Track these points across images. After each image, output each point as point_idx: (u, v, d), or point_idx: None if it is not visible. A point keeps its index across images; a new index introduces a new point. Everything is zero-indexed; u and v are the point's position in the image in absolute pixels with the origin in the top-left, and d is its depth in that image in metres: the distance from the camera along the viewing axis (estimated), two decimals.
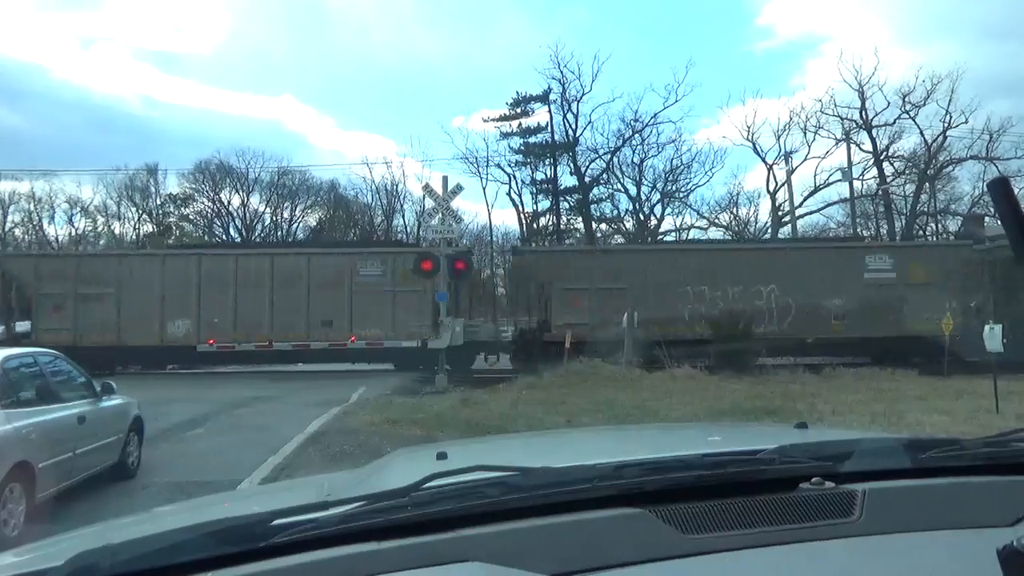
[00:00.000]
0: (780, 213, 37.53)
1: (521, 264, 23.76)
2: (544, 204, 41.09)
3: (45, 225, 45.00)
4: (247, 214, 45.53)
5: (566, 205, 40.73)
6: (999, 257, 22.20)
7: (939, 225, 38.86)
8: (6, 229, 43.81)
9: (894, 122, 36.68)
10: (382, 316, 20.37)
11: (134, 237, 43.53)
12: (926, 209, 38.58)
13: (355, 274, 20.67)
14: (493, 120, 40.79)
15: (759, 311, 19.90)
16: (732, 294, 20.24)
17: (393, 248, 24.53)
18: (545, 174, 40.44)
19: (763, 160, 38.72)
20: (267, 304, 20.55)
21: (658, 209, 40.82)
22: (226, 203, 45.59)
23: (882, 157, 37.56)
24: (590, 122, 38.87)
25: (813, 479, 1.30)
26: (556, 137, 39.50)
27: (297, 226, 46.43)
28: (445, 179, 17.02)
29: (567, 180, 40.05)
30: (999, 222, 1.00)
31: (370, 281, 20.62)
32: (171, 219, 46.08)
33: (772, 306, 20.24)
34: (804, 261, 20.78)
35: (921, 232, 37.46)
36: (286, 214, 46.35)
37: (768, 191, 38.95)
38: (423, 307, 20.24)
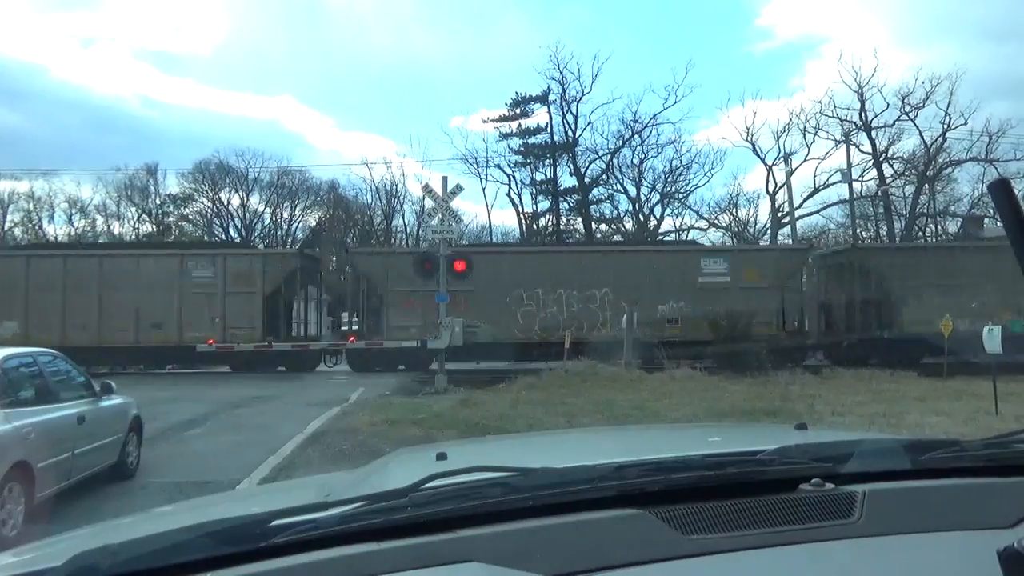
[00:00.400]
0: (780, 214, 37.55)
1: (354, 265, 23.61)
2: (544, 205, 41.24)
3: (45, 225, 45.07)
4: (247, 214, 45.57)
5: (566, 206, 40.83)
6: (832, 263, 22.81)
7: (938, 226, 38.90)
8: (5, 229, 43.80)
9: (894, 123, 36.81)
10: (212, 318, 20.32)
11: (133, 237, 43.51)
12: (925, 210, 38.62)
13: (186, 275, 20.59)
14: (493, 121, 40.92)
15: (593, 314, 20.00)
16: (567, 297, 20.39)
17: (223, 249, 24.16)
18: (545, 175, 40.57)
19: (763, 161, 38.82)
20: (96, 306, 20.32)
21: (658, 210, 40.94)
22: (226, 203, 45.66)
23: (881, 158, 37.63)
24: (590, 123, 39.00)
25: (813, 480, 1.30)
26: (556, 138, 39.59)
27: (297, 226, 46.51)
28: (445, 179, 17.02)
29: (567, 181, 40.20)
30: (999, 223, 1.00)
31: (201, 282, 20.55)
32: (170, 219, 46.12)
33: (606, 309, 20.35)
34: (639, 264, 20.89)
35: (921, 233, 37.49)
36: (286, 214, 46.44)
37: (768, 192, 39.04)
38: (253, 309, 20.38)
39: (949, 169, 37.68)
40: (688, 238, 38.46)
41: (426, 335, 18.70)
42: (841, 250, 25.33)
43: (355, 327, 23.02)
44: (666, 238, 39.08)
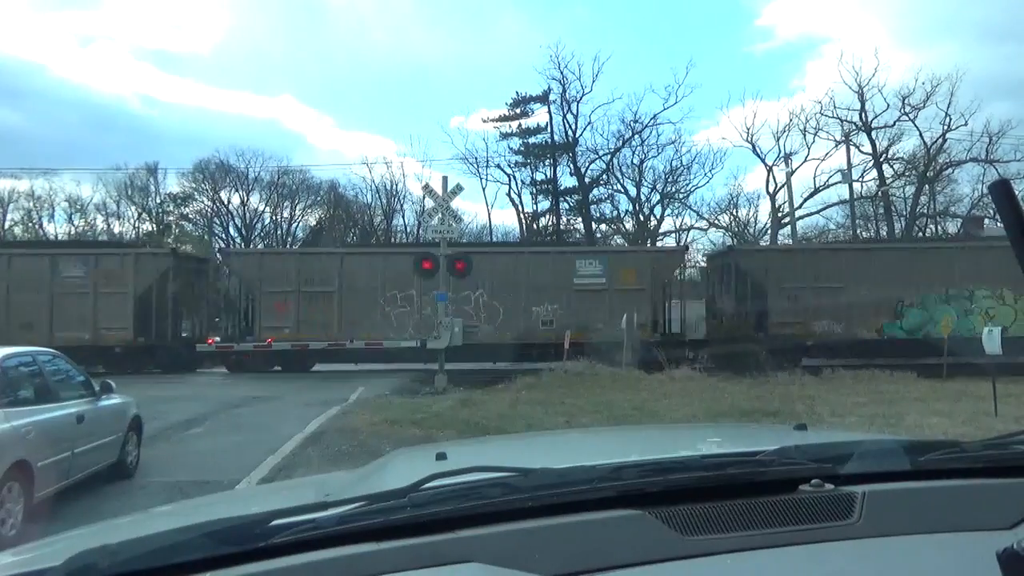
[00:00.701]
0: (780, 215, 37.55)
1: (228, 266, 23.54)
2: (544, 205, 41.19)
3: (45, 224, 45.07)
4: (247, 213, 45.55)
5: (566, 206, 40.79)
6: (716, 265, 23.04)
7: (938, 227, 38.89)
8: (5, 227, 43.79)
9: (894, 124, 36.77)
10: (83, 318, 20.15)
11: (133, 236, 43.53)
12: (926, 211, 38.61)
13: (57, 275, 20.42)
14: (493, 120, 40.88)
15: (466, 315, 19.98)
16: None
17: (95, 248, 23.74)
18: (545, 175, 40.52)
19: (763, 161, 38.77)
20: None
21: (658, 210, 40.89)
22: (226, 202, 45.63)
23: (882, 159, 37.62)
24: (590, 123, 38.95)
25: (813, 481, 1.30)
26: (556, 138, 39.55)
27: (297, 226, 46.49)
28: (445, 179, 17.03)
29: (567, 181, 40.15)
30: (1000, 224, 1.00)
31: (72, 282, 20.37)
32: (170, 218, 46.13)
33: (480, 310, 20.38)
34: (515, 265, 20.83)
35: (920, 233, 37.49)
36: (286, 214, 46.39)
37: (768, 192, 39.01)
38: (124, 309, 20.25)
39: (949, 170, 37.70)
40: (688, 238, 38.55)
41: (302, 335, 19.15)
42: (721, 251, 25.55)
43: (236, 327, 22.66)
44: (666, 238, 39.16)
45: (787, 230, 35.74)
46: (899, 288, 19.86)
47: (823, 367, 17.51)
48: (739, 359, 19.11)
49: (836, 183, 36.84)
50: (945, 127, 35.75)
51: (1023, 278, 20.57)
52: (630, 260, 21.44)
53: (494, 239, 40.77)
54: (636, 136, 38.53)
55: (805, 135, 37.77)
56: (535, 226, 40.85)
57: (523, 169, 40.86)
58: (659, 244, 35.02)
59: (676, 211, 41.05)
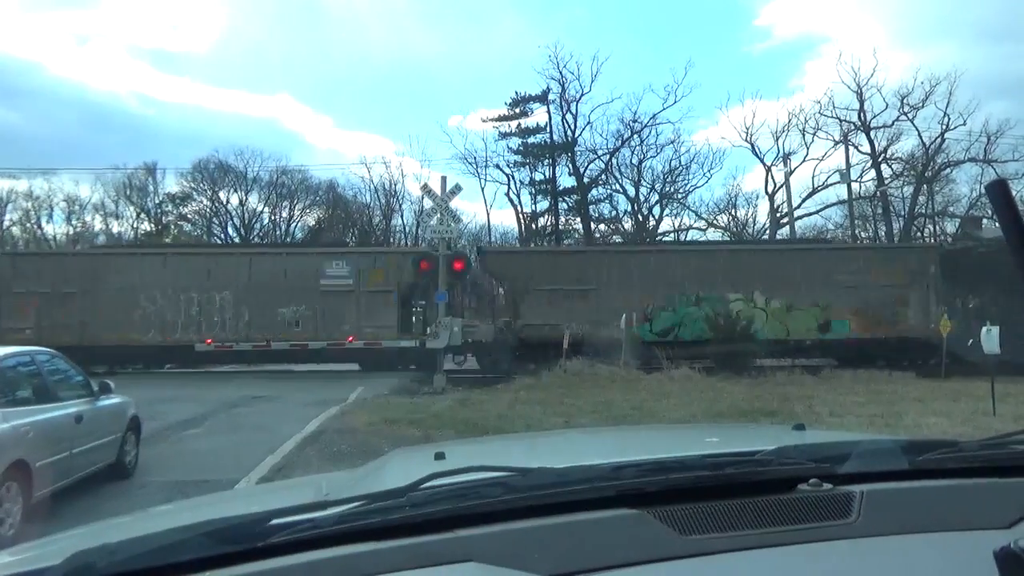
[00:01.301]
0: (778, 215, 37.57)
1: None
2: (543, 205, 41.19)
3: (44, 224, 45.01)
4: (245, 213, 45.51)
5: (565, 206, 40.78)
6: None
7: (937, 227, 38.93)
8: (4, 228, 43.74)
9: (892, 124, 36.78)
10: None
11: (132, 236, 43.48)
12: (924, 211, 38.62)
13: None
14: (492, 120, 40.89)
15: (210, 318, 20.18)
16: (183, 300, 20.32)
17: None
18: (544, 174, 40.53)
19: (762, 161, 38.81)
20: None
21: (656, 210, 40.92)
22: (224, 202, 45.59)
23: (880, 159, 37.62)
24: (589, 123, 38.95)
25: (811, 480, 1.30)
26: (555, 138, 39.55)
27: (296, 226, 46.45)
28: (444, 179, 17.05)
29: (566, 181, 40.15)
30: (997, 224, 1.00)
31: None
32: (169, 218, 46.08)
33: (226, 313, 20.44)
34: (261, 267, 20.82)
35: (919, 233, 37.51)
36: (284, 214, 46.34)
37: (766, 192, 39.04)
38: None
39: (948, 169, 37.69)
40: (687, 238, 38.50)
41: (43, 335, 18.74)
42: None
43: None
44: (665, 238, 39.12)
45: (786, 230, 35.76)
46: (651, 290, 20.15)
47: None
48: (488, 359, 19.72)
49: (835, 183, 36.88)
50: (944, 127, 35.82)
51: (777, 281, 19.99)
52: (379, 261, 21.31)
53: (493, 239, 40.80)
54: (635, 136, 38.59)
55: (804, 135, 37.87)
56: (534, 226, 40.86)
57: (522, 169, 40.94)
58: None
59: (675, 211, 41.16)
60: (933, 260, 20.74)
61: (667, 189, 39.83)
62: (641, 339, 19.45)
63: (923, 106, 35.65)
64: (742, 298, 20.26)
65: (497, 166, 40.66)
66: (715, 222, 40.99)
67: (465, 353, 20.70)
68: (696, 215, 40.75)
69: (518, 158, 40.57)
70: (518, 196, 41.26)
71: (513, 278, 20.59)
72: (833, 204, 38.44)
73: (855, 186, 36.33)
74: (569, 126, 39.12)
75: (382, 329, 19.95)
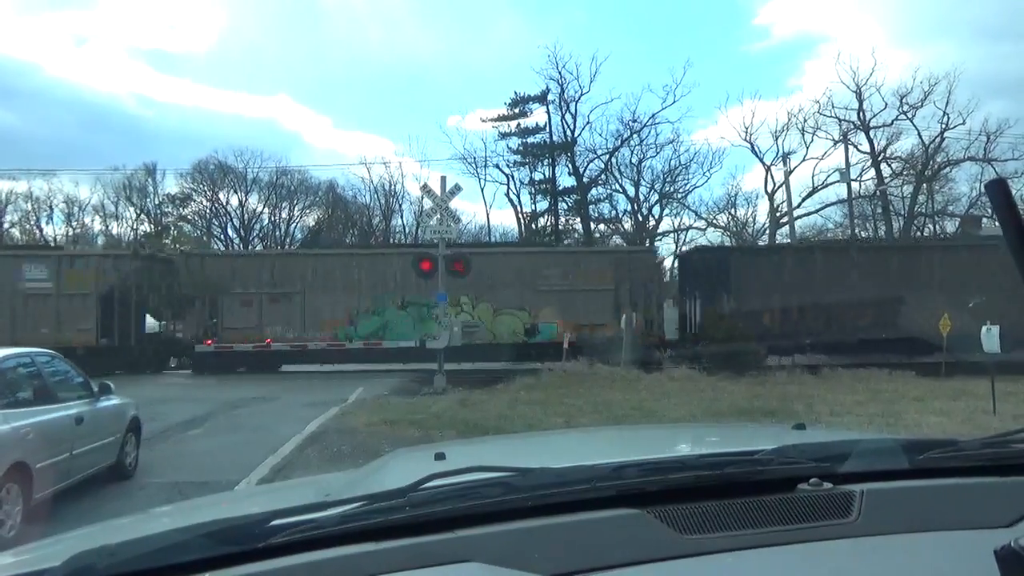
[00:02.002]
0: (778, 214, 37.56)
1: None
2: (542, 205, 41.14)
3: (43, 225, 44.99)
4: (245, 214, 45.50)
5: (564, 206, 40.76)
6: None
7: (936, 226, 38.93)
8: (4, 229, 43.71)
9: (892, 123, 36.77)
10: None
11: (132, 237, 43.51)
12: (924, 210, 38.63)
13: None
14: (491, 120, 40.85)
15: None
16: None
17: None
18: (543, 174, 40.49)
19: (761, 161, 38.77)
20: None
21: (656, 210, 40.90)
22: (224, 203, 45.58)
23: (880, 158, 37.61)
24: (588, 122, 38.93)
25: (811, 480, 1.30)
26: (554, 137, 39.53)
27: (295, 226, 46.44)
28: (443, 179, 17.01)
29: (565, 181, 40.12)
30: (996, 223, 1.00)
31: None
32: (169, 219, 46.06)
33: None
34: None
35: (918, 233, 37.52)
36: (284, 214, 46.33)
37: (766, 192, 39.01)
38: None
39: (947, 169, 37.69)
40: (687, 238, 38.56)
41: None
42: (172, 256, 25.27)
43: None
44: (665, 237, 39.14)
45: (786, 230, 35.78)
46: (357, 294, 20.33)
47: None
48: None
49: (834, 182, 36.84)
50: (943, 126, 35.81)
51: (487, 285, 20.07)
52: (78, 264, 21.18)
53: (493, 239, 40.77)
54: (634, 136, 38.54)
55: (803, 134, 37.81)
56: (534, 226, 40.85)
57: (521, 169, 40.89)
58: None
59: (674, 211, 41.10)
60: (649, 264, 21.38)
61: (667, 189, 39.82)
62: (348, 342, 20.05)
63: (922, 105, 35.69)
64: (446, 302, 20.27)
65: (497, 166, 40.70)
66: (715, 222, 41.02)
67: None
68: (696, 215, 40.77)
69: (517, 158, 40.57)
70: (518, 196, 41.31)
71: (213, 282, 20.54)
72: (833, 203, 38.48)
73: (855, 185, 36.35)
74: (568, 126, 39.16)
75: (81, 333, 19.70)
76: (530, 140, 40.26)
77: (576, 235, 39.64)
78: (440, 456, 1.79)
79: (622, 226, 40.92)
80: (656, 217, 40.95)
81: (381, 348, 20.45)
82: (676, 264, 22.64)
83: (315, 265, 21.11)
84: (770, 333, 18.79)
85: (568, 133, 39.15)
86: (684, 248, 27.28)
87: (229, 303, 20.43)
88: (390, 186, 44.47)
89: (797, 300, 19.23)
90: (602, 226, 41.27)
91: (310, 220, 46.58)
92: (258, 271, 20.98)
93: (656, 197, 40.19)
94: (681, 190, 39.98)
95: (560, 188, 39.99)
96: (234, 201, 45.50)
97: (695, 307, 20.82)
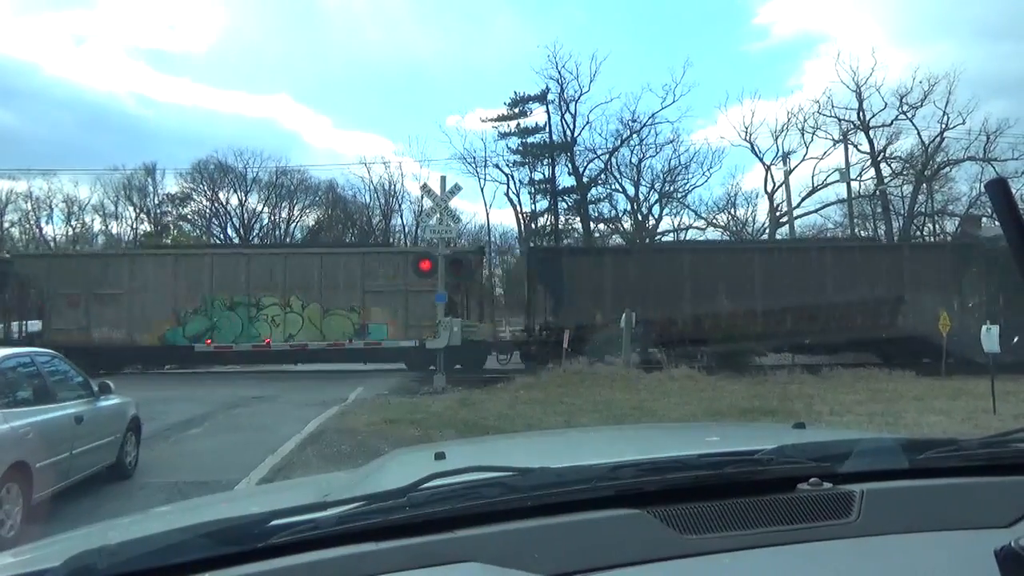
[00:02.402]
0: (778, 214, 37.56)
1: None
2: (542, 204, 41.19)
3: (43, 225, 44.99)
4: (245, 214, 45.50)
5: (564, 205, 40.79)
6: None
7: (936, 225, 38.93)
8: (4, 229, 43.70)
9: (892, 123, 36.76)
10: None
11: (132, 237, 43.50)
12: (924, 210, 38.63)
13: None
14: (491, 120, 40.90)
15: None
16: None
17: None
18: (543, 174, 40.54)
19: (761, 161, 38.79)
20: None
21: (656, 209, 40.91)
22: (224, 203, 45.57)
23: (880, 158, 37.60)
24: (588, 122, 38.98)
25: (811, 479, 1.30)
26: (554, 137, 39.57)
27: (295, 226, 46.44)
28: (443, 179, 17.03)
29: (565, 180, 40.17)
30: (997, 223, 1.00)
31: None
32: (169, 219, 46.05)
33: None
34: None
35: (918, 232, 37.52)
36: (284, 214, 46.34)
37: (766, 192, 39.03)
38: None
39: (947, 168, 37.67)
40: (687, 237, 38.47)
41: None
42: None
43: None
44: (664, 238, 39.10)
45: (785, 229, 35.77)
46: (185, 294, 20.28)
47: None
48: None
49: (834, 182, 36.84)
50: (943, 126, 35.79)
51: (313, 284, 20.40)
52: None
53: (493, 239, 40.81)
54: (634, 135, 38.59)
55: (803, 134, 37.84)
56: (533, 226, 40.87)
57: (521, 169, 40.95)
58: None
59: (674, 210, 41.14)
60: (475, 264, 21.21)
61: (667, 188, 39.84)
62: (175, 345, 20.08)
63: (922, 105, 35.68)
64: (277, 302, 20.29)
65: (496, 166, 40.75)
66: (715, 221, 41.03)
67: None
68: (696, 214, 40.79)
69: (517, 158, 40.63)
70: (517, 196, 41.33)
71: (41, 282, 20.39)
72: (833, 203, 38.51)
73: (855, 185, 36.39)
74: (568, 126, 39.20)
75: None
76: (530, 140, 40.33)
77: (576, 235, 39.68)
78: (440, 456, 1.79)
79: (622, 225, 40.95)
80: (656, 217, 41.03)
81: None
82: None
83: (140, 265, 20.88)
84: (604, 331, 18.71)
85: (568, 133, 39.23)
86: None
87: (57, 304, 20.16)
88: (390, 186, 44.54)
89: (626, 300, 19.03)
90: (602, 225, 41.32)
91: (310, 220, 46.64)
92: (85, 271, 20.65)
93: (656, 197, 40.26)
94: (681, 190, 40.07)
95: (560, 188, 40.04)
96: (234, 201, 45.58)
97: (535, 305, 20.93)
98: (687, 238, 37.56)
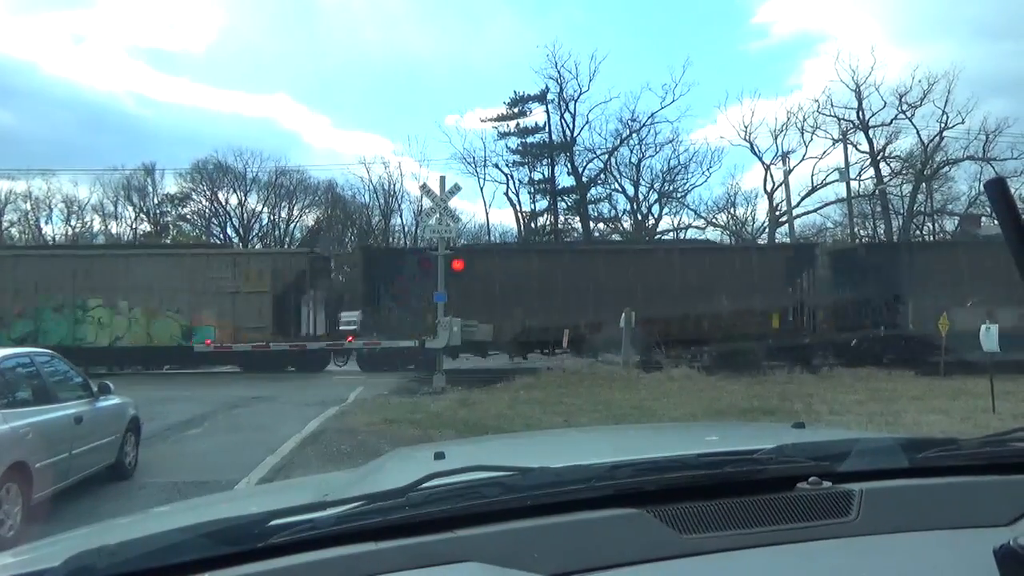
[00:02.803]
0: (777, 213, 37.57)
1: None
2: (542, 204, 41.21)
3: (42, 225, 44.95)
4: (244, 214, 45.47)
5: (564, 205, 40.80)
6: None
7: (935, 225, 38.95)
8: (3, 228, 43.67)
9: (891, 122, 36.78)
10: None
11: (131, 237, 43.46)
12: (923, 209, 38.64)
13: None
14: (490, 120, 40.89)
15: None
16: None
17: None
18: (543, 174, 40.55)
19: (760, 160, 38.78)
20: None
21: (656, 209, 40.92)
22: (223, 203, 45.52)
23: (879, 157, 37.62)
24: (587, 122, 38.98)
25: (810, 479, 1.30)
26: (554, 137, 39.58)
27: (295, 226, 46.39)
28: (443, 179, 17.02)
29: (565, 180, 40.17)
30: (996, 222, 1.00)
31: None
32: (168, 219, 46.02)
33: None
34: None
35: (918, 232, 37.53)
36: (283, 214, 46.25)
37: (765, 191, 39.00)
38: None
39: (946, 168, 37.68)
40: (686, 237, 38.47)
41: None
42: None
43: None
44: (663, 237, 39.10)
45: (785, 229, 35.80)
46: (12, 295, 20.11)
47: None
48: None
49: (834, 181, 36.85)
50: (942, 125, 35.81)
51: (139, 286, 20.33)
52: None
53: (492, 239, 40.76)
54: (634, 135, 38.61)
55: (802, 134, 37.83)
56: (533, 225, 40.87)
57: (521, 168, 40.94)
58: None
59: (674, 210, 41.14)
60: (306, 265, 21.21)
61: (666, 188, 39.84)
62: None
63: (921, 104, 35.71)
64: (102, 304, 20.11)
65: (496, 166, 40.74)
66: (714, 221, 41.02)
67: None
68: (695, 214, 40.78)
69: (517, 157, 40.61)
70: (517, 196, 41.32)
71: None
72: (832, 202, 38.49)
73: (854, 184, 36.42)
74: (568, 125, 39.21)
75: None
76: (529, 140, 40.34)
77: (576, 234, 39.66)
78: (439, 456, 1.79)
79: (621, 225, 40.95)
80: (656, 216, 41.03)
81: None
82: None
83: None
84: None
85: (567, 132, 39.23)
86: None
87: None
88: (389, 185, 44.45)
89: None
90: (601, 225, 41.32)
91: (309, 220, 46.56)
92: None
93: (655, 196, 40.26)
94: (680, 189, 40.06)
95: (559, 187, 40.06)
96: (233, 201, 45.48)
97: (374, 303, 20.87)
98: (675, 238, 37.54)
